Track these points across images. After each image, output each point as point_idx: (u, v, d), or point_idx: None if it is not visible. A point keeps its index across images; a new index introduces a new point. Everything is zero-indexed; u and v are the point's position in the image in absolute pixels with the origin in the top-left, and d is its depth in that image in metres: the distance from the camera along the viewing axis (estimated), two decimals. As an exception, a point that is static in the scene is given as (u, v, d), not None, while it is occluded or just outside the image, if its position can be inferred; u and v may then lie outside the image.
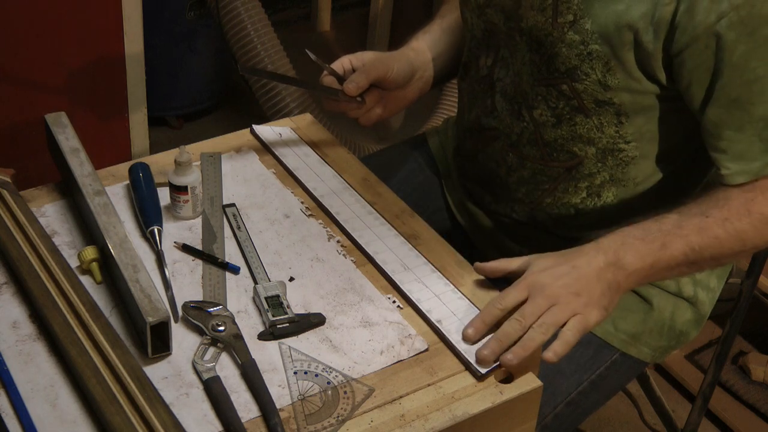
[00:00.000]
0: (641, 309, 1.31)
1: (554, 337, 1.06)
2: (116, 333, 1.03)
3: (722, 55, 1.09)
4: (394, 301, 1.13)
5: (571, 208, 1.30)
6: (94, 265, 1.14)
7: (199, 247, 1.20)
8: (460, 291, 1.15)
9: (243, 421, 0.96)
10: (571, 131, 1.23)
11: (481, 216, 1.43)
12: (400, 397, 1.01)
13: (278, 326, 1.07)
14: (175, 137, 2.83)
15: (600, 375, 1.31)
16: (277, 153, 1.37)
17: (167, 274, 1.14)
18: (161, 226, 1.20)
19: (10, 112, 2.01)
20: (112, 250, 1.09)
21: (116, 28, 2.02)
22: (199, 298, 1.12)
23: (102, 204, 1.16)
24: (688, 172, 1.28)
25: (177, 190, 1.22)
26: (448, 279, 1.16)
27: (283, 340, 1.07)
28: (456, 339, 1.07)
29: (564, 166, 1.27)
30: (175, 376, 1.01)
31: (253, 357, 1.03)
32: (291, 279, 1.15)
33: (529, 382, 1.04)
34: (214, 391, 0.99)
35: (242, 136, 1.42)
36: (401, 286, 1.15)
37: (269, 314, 1.08)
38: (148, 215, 1.20)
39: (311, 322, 1.09)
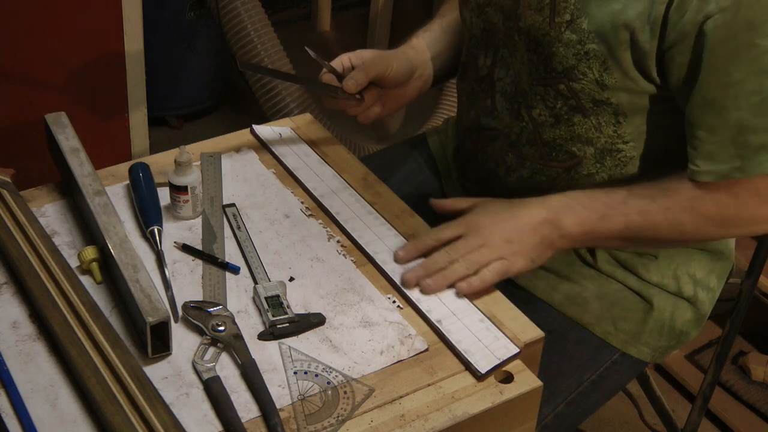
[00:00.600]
0: (641, 309, 1.31)
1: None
2: (116, 333, 1.03)
3: (703, 55, 1.10)
4: (394, 301, 1.13)
5: None
6: (94, 265, 1.14)
7: (199, 247, 1.20)
8: (460, 291, 1.15)
9: (243, 421, 0.96)
10: (569, 131, 1.24)
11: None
12: (400, 397, 1.01)
13: (278, 326, 1.07)
14: (175, 137, 2.83)
15: (600, 375, 1.31)
16: (277, 153, 1.37)
17: (167, 274, 1.14)
18: (161, 226, 1.20)
19: (10, 112, 2.01)
20: (112, 250, 1.09)
21: (116, 28, 2.02)
22: (199, 298, 1.12)
23: (102, 204, 1.16)
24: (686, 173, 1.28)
25: (177, 190, 1.22)
26: (448, 279, 1.16)
27: (283, 340, 1.07)
28: (456, 339, 1.07)
29: (563, 166, 1.27)
30: (175, 376, 1.01)
31: (253, 357, 1.03)
32: (291, 279, 1.15)
33: (529, 382, 1.04)
34: (214, 391, 0.99)
35: (242, 136, 1.42)
36: (401, 286, 1.15)
37: (269, 314, 1.08)
38: (148, 215, 1.20)
39: (311, 322, 1.09)
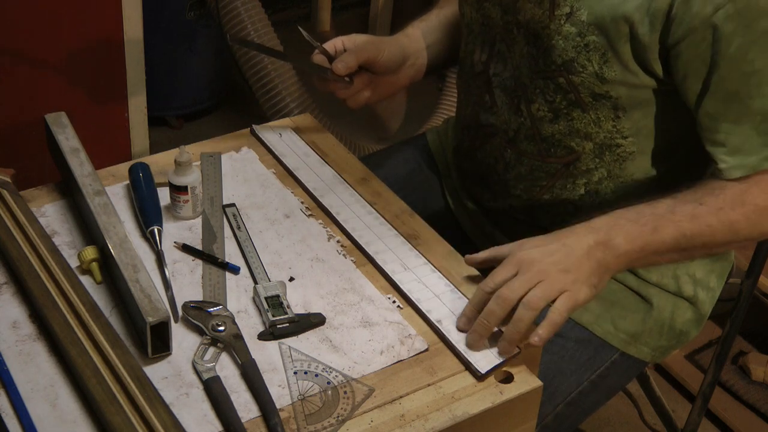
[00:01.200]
0: (641, 309, 1.31)
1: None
2: (116, 333, 1.03)
3: (719, 47, 1.09)
4: (394, 301, 1.13)
5: (569, 205, 1.30)
6: (94, 265, 1.14)
7: (199, 247, 1.20)
8: (460, 291, 1.15)
9: (243, 421, 0.96)
10: (568, 126, 1.24)
11: (480, 215, 1.43)
12: (400, 397, 1.01)
13: (278, 326, 1.07)
14: (175, 137, 2.83)
15: (600, 375, 1.31)
16: (277, 153, 1.37)
17: (167, 274, 1.14)
18: (161, 226, 1.20)
19: (10, 112, 2.01)
20: (112, 250, 1.09)
21: (116, 28, 2.02)
22: (199, 298, 1.12)
23: (102, 204, 1.16)
24: (686, 169, 1.28)
25: (177, 190, 1.22)
26: (448, 279, 1.16)
27: (283, 340, 1.07)
28: (456, 339, 1.07)
29: (562, 161, 1.27)
30: (175, 376, 1.01)
31: (253, 357, 1.03)
32: (291, 279, 1.15)
33: (529, 382, 1.04)
34: (214, 391, 0.99)
35: (242, 136, 1.42)
36: (401, 286, 1.15)
37: (269, 314, 1.08)
38: (148, 215, 1.20)
39: (311, 322, 1.09)
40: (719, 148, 1.14)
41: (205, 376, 1.01)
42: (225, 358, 1.04)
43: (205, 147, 1.38)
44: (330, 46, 1.34)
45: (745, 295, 1.69)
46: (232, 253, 1.19)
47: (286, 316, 1.08)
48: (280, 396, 1.00)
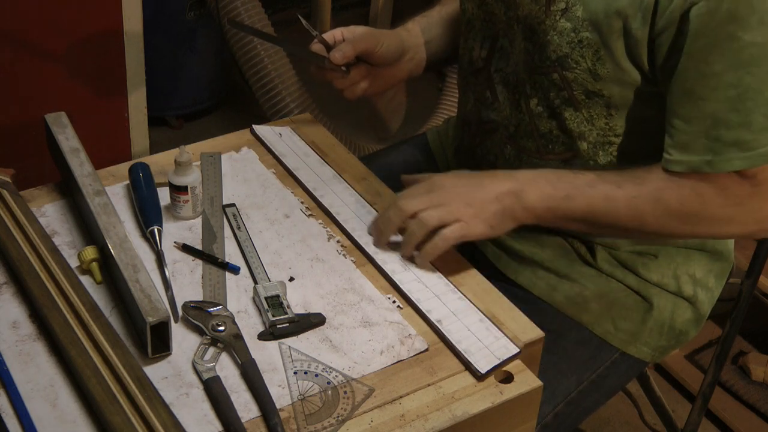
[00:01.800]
0: (641, 308, 1.31)
1: None
2: (116, 333, 1.03)
3: (684, 43, 1.09)
4: (394, 301, 1.13)
5: None
6: (94, 265, 1.14)
7: (199, 247, 1.20)
8: (460, 291, 1.15)
9: (243, 421, 0.96)
10: (560, 126, 1.24)
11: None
12: (400, 397, 1.01)
13: (278, 326, 1.07)
14: (175, 137, 2.83)
15: (600, 374, 1.31)
16: (277, 153, 1.37)
17: (167, 274, 1.14)
18: (161, 226, 1.20)
19: (10, 112, 2.01)
20: (112, 250, 1.09)
21: (116, 29, 2.02)
22: (199, 298, 1.12)
23: (102, 204, 1.16)
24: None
25: (177, 190, 1.22)
26: (448, 279, 1.16)
27: (283, 340, 1.07)
28: (456, 339, 1.07)
29: (560, 158, 1.27)
30: (175, 376, 1.01)
31: (253, 357, 1.03)
32: (291, 279, 1.15)
33: (529, 381, 1.04)
34: (214, 391, 0.99)
35: (242, 136, 1.42)
36: (401, 286, 1.15)
37: (269, 314, 1.08)
38: (148, 215, 1.20)
39: (311, 322, 1.09)
40: (668, 139, 1.16)
41: (205, 376, 1.01)
42: (225, 358, 1.04)
43: (205, 147, 1.38)
44: (329, 35, 1.34)
45: (745, 295, 1.69)
46: (232, 253, 1.19)
47: (286, 316, 1.08)
48: (280, 396, 1.00)
